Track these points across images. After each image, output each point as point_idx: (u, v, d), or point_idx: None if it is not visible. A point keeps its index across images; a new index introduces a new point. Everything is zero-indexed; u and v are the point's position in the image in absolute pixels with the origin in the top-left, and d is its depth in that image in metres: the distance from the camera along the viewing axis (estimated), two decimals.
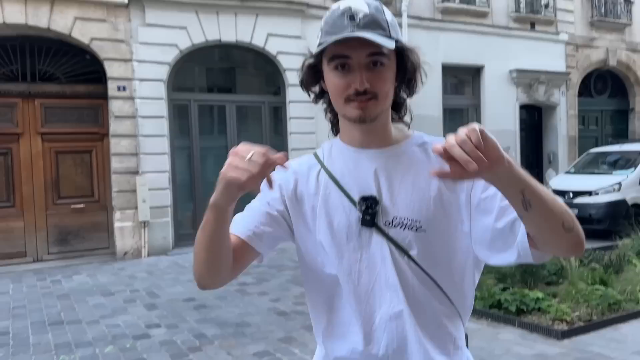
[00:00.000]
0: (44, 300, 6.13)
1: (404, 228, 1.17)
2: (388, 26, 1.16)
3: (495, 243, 1.13)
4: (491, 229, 1.12)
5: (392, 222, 1.17)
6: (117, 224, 8.67)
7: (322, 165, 1.25)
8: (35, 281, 7.16)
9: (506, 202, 1.05)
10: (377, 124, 1.20)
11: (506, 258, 1.12)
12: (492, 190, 1.09)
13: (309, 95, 1.32)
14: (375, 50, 1.13)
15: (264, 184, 1.01)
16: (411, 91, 1.26)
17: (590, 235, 9.41)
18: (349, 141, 1.25)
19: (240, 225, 1.21)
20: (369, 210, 1.16)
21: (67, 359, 4.22)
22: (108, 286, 6.74)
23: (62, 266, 8.12)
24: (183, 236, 9.39)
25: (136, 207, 8.71)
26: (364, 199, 1.17)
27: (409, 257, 1.17)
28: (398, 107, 1.30)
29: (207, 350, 4.34)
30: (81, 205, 8.79)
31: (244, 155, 0.97)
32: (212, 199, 1.04)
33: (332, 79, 1.17)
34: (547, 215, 1.01)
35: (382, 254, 1.17)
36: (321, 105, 1.31)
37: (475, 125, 0.89)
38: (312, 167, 1.27)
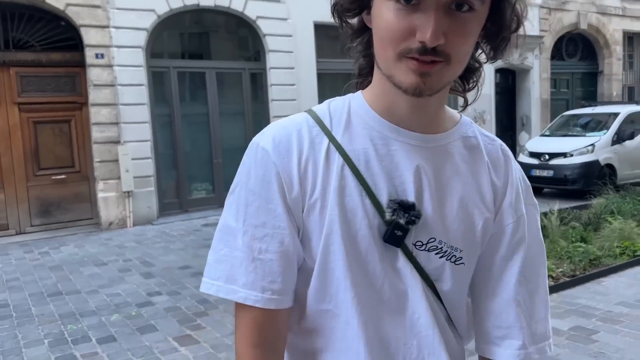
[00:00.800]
0: (36, 272, 6.11)
1: (441, 255, 0.85)
2: None
3: None
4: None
5: (427, 244, 0.84)
6: (100, 195, 8.59)
7: (333, 140, 0.83)
8: (23, 254, 7.10)
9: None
10: (434, 97, 0.81)
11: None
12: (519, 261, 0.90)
13: (341, 27, 0.87)
14: None
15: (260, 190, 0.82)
16: (497, 55, 0.84)
17: (566, 195, 9.79)
18: (384, 111, 0.84)
19: (275, 292, 0.82)
20: (408, 225, 0.81)
21: (75, 328, 4.27)
22: (99, 256, 6.73)
23: (47, 238, 8.05)
24: (167, 205, 9.39)
25: (119, 177, 8.63)
26: (403, 206, 0.81)
27: (435, 293, 0.87)
28: (468, 75, 0.89)
29: (213, 315, 4.44)
30: (62, 176, 8.66)
31: None
32: None
33: (386, 14, 0.75)
34: None
35: (411, 286, 0.84)
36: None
37: None
38: (315, 138, 0.84)
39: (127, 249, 7.14)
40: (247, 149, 0.86)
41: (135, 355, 3.72)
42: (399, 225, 0.81)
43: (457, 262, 0.86)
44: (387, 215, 0.81)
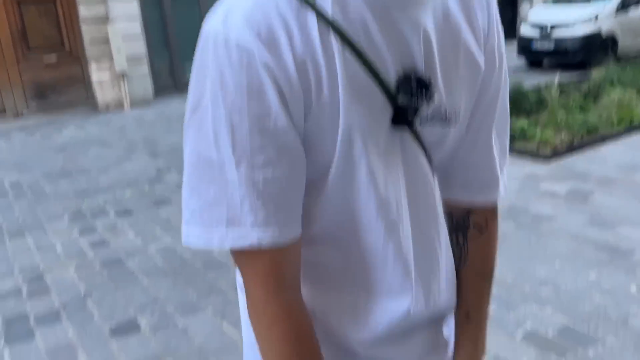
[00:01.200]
0: (42, 153, 6.19)
1: (444, 125, 0.74)
2: None
3: None
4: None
5: (433, 115, 0.73)
6: (94, 77, 8.45)
7: (321, 15, 0.62)
8: (25, 137, 7.14)
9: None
10: None
11: None
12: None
13: None
14: None
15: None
16: None
17: (568, 66, 9.67)
18: None
19: (281, 224, 0.65)
20: (429, 104, 0.70)
21: (91, 204, 4.42)
22: (102, 137, 6.79)
23: (46, 121, 8.04)
24: (162, 87, 9.28)
25: (111, 58, 8.44)
26: (420, 85, 0.68)
27: (432, 167, 0.78)
28: None
29: None
30: (54, 60, 8.44)
31: None
32: None
33: None
34: None
35: (422, 172, 0.76)
36: None
37: None
38: (299, 16, 0.61)
39: (128, 130, 7.17)
40: (205, 45, 0.62)
41: (155, 225, 3.91)
42: (415, 107, 0.69)
43: (456, 124, 0.76)
44: (402, 99, 0.67)
